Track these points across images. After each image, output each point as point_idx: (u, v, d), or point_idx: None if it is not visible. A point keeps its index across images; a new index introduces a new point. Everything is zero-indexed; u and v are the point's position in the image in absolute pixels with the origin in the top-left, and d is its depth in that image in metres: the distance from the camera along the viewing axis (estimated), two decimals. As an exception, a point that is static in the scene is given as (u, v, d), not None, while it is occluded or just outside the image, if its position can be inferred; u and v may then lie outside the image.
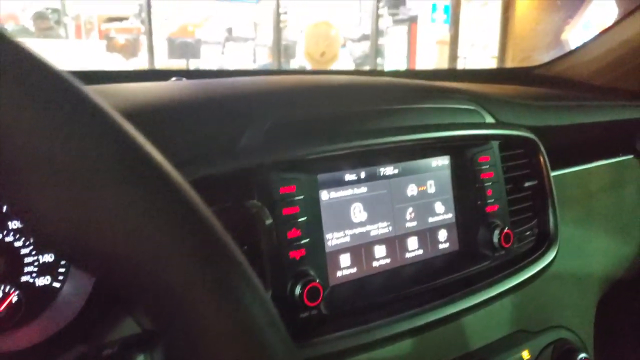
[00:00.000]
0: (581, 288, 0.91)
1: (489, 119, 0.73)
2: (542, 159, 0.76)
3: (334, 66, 7.37)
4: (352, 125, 0.58)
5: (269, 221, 0.48)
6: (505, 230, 0.68)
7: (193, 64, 6.34)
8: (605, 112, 0.99)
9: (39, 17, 6.39)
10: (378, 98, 0.64)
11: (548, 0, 7.23)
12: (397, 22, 8.66)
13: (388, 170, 0.63)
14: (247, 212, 0.47)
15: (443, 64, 6.73)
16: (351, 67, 8.24)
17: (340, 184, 0.59)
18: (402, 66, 8.44)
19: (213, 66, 6.67)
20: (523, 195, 0.75)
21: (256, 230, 0.47)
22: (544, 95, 1.03)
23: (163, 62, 5.99)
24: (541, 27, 7.38)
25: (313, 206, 0.55)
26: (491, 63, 7.31)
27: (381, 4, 7.68)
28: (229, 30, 8.45)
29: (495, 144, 0.72)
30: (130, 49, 5.85)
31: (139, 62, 5.95)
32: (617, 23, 1.31)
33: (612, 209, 0.98)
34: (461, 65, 6.91)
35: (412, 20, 8.27)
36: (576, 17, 7.46)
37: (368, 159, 0.61)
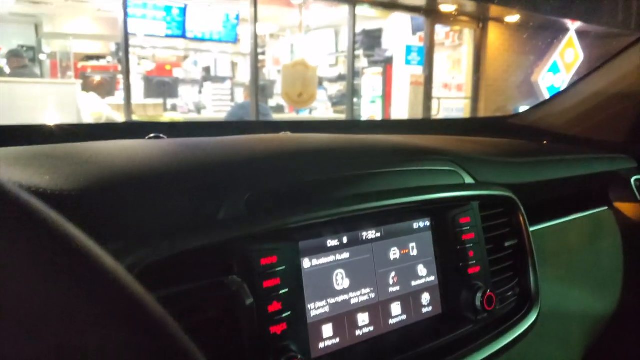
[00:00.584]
0: (564, 346, 0.90)
1: (469, 180, 0.73)
2: (521, 218, 0.76)
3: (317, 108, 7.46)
4: (334, 191, 0.58)
5: (249, 300, 0.46)
6: (488, 292, 0.67)
7: (170, 103, 6.34)
8: (580, 166, 1.01)
9: (13, 55, 6.31)
10: (359, 162, 0.64)
11: (518, 45, 7.54)
12: (372, 63, 8.89)
13: (371, 234, 0.62)
14: (226, 290, 0.45)
15: (418, 104, 6.89)
16: (328, 106, 8.37)
17: (323, 250, 0.57)
18: (378, 106, 8.60)
19: (191, 105, 6.68)
20: (504, 255, 0.75)
21: (236, 310, 0.45)
22: (520, 150, 1.06)
23: (140, 100, 5.98)
24: (512, 69, 7.67)
25: (295, 276, 0.54)
26: (464, 103, 7.52)
27: (357, 45, 7.88)
28: (207, 69, 8.52)
29: (475, 204, 0.72)
30: (106, 88, 5.81)
31: (116, 100, 5.91)
32: (586, 76, 1.36)
33: (590, 262, 0.99)
34: (435, 105, 7.09)
35: (388, 62, 8.50)
36: (544, 61, 7.79)
37: (350, 223, 0.60)
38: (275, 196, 0.54)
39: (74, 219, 0.45)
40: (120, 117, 5.32)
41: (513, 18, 6.93)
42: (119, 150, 0.65)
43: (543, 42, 7.76)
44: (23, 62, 6.23)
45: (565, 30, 7.67)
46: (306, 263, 0.55)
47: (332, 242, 0.58)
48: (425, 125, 1.62)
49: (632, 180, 1.09)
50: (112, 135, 0.95)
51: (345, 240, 0.59)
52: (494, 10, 6.55)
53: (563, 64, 7.88)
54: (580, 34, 7.81)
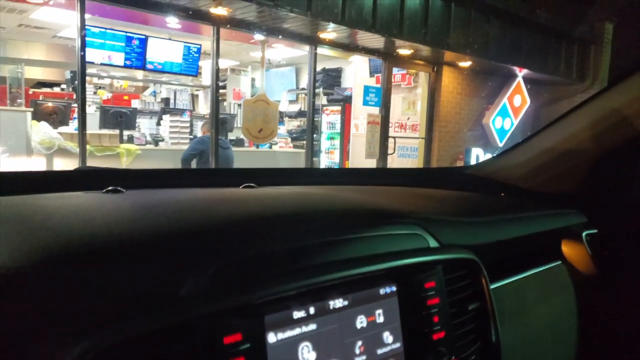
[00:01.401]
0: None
1: (433, 243, 0.74)
2: (484, 281, 0.77)
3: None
4: (302, 260, 0.56)
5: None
6: (452, 358, 0.67)
7: (127, 134, 6.19)
8: (536, 224, 1.04)
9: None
10: (325, 228, 0.63)
11: (470, 88, 7.88)
12: (331, 101, 9.06)
13: (338, 302, 0.60)
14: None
15: (375, 143, 7.02)
16: (288, 140, 8.40)
17: (289, 323, 0.55)
18: (337, 142, 8.72)
19: (148, 137, 6.54)
20: (467, 318, 0.75)
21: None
22: (480, 206, 1.08)
23: (95, 130, 5.81)
24: (464, 111, 7.99)
25: (259, 352, 0.51)
26: (419, 143, 7.72)
27: (317, 83, 8.02)
28: (166, 101, 8.43)
29: (440, 267, 0.72)
30: (59, 116, 5.63)
31: (69, 129, 5.73)
32: (539, 132, 1.42)
33: (546, 318, 1.01)
34: (391, 144, 7.25)
35: (346, 101, 8.69)
36: (494, 105, 8.17)
37: (317, 293, 0.59)
38: (241, 269, 0.52)
39: (21, 300, 0.41)
40: (73, 148, 5.14)
41: (465, 63, 7.26)
42: (74, 210, 0.61)
43: (493, 86, 8.16)
44: (-31, 87, 6.00)
45: (513, 76, 8.11)
46: (271, 337, 0.53)
47: (298, 314, 0.56)
48: (385, 174, 1.64)
49: (584, 234, 1.13)
50: (63, 184, 0.90)
51: (312, 311, 0.58)
52: (448, 55, 6.84)
53: (511, 108, 8.28)
54: (527, 80, 8.26)
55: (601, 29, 8.29)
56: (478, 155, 7.73)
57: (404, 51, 6.57)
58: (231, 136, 7.33)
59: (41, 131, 5.13)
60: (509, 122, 8.25)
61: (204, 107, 9.72)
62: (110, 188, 0.81)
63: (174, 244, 0.52)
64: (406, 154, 8.07)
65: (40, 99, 6.16)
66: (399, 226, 0.70)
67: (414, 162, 7.95)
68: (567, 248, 1.12)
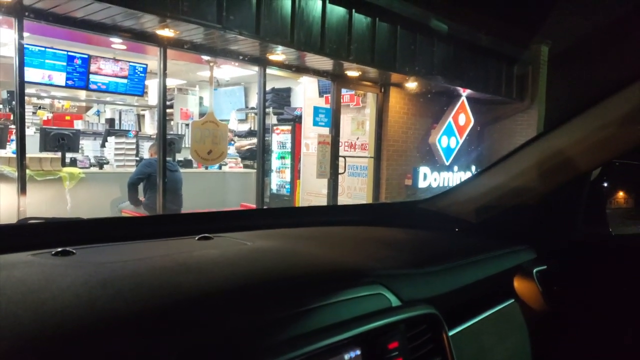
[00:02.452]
0: None
1: (395, 301, 0.75)
2: (444, 335, 0.78)
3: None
4: (266, 338, 0.55)
5: None
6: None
7: (70, 156, 5.92)
8: (490, 266, 1.07)
9: None
10: (288, 299, 0.62)
11: (416, 108, 8.12)
12: (281, 120, 9.07)
13: (305, 376, 0.59)
14: None
15: (326, 162, 7.07)
16: (238, 160, 8.32)
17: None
18: (287, 162, 8.72)
19: (93, 160, 6.29)
20: (429, 375, 0.76)
21: None
22: (435, 249, 1.11)
23: (35, 152, 5.53)
24: (411, 131, 8.21)
25: None
26: (368, 161, 7.86)
27: (267, 103, 8.02)
28: (111, 122, 8.14)
29: (402, 326, 0.73)
30: (-6, 139, 5.33)
31: (6, 153, 5.42)
32: (489, 168, 1.47)
33: (504, 358, 1.03)
34: (342, 163, 7.32)
35: (297, 120, 8.73)
36: (440, 124, 8.44)
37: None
38: (203, 352, 0.50)
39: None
40: (11, 172, 4.86)
41: (411, 84, 7.48)
42: (22, 291, 0.57)
43: (439, 106, 8.45)
44: None
45: (458, 96, 8.43)
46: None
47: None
48: (340, 211, 1.64)
49: (534, 271, 1.18)
50: (5, 241, 0.84)
51: (278, 386, 0.56)
52: (394, 76, 7.03)
53: (456, 127, 8.59)
54: (471, 100, 8.61)
55: (538, 51, 8.80)
56: (426, 173, 7.95)
57: (352, 73, 6.70)
58: (179, 157, 7.18)
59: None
60: (455, 141, 8.55)
61: (150, 127, 9.47)
62: (59, 250, 0.77)
63: (135, 332, 0.49)
64: (356, 172, 8.19)
65: (-27, 120, 5.81)
66: (362, 287, 0.71)
67: (364, 180, 8.07)
68: (519, 285, 1.16)
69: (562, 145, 1.25)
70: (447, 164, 8.40)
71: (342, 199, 7.99)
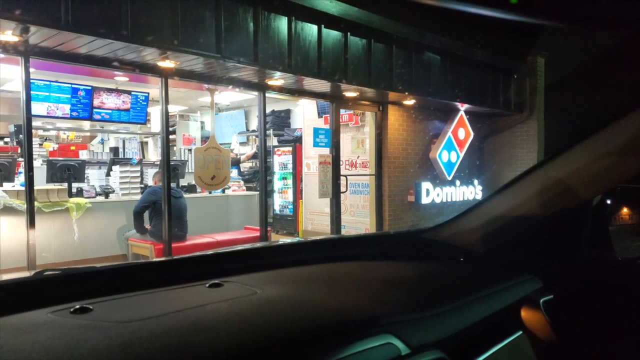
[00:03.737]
0: None
1: (404, 349, 0.79)
2: (454, 380, 0.83)
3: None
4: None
5: None
6: None
7: (76, 186, 5.99)
8: (498, 300, 1.12)
9: None
10: (301, 358, 0.66)
11: (415, 125, 8.20)
12: (282, 142, 9.17)
13: None
14: None
15: (327, 182, 7.12)
16: (241, 183, 8.38)
17: None
18: (289, 183, 8.78)
19: (98, 189, 6.35)
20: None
21: None
22: (442, 285, 1.14)
23: (42, 184, 5.60)
24: (411, 147, 8.28)
25: None
26: (369, 179, 7.91)
27: (267, 125, 8.11)
28: (115, 150, 8.23)
29: (412, 374, 0.77)
30: (3, 173, 5.40)
31: (13, 186, 5.49)
32: (491, 197, 1.51)
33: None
34: (343, 182, 7.38)
35: (297, 141, 8.82)
36: (440, 139, 8.52)
37: None
38: None
39: None
40: (20, 205, 4.92)
41: (409, 101, 7.57)
42: (43, 351, 0.60)
43: (437, 121, 8.53)
44: None
45: (456, 110, 8.52)
46: None
47: None
48: (343, 243, 1.68)
49: (541, 302, 1.21)
50: (20, 298, 0.86)
51: None
52: (392, 95, 7.12)
53: (456, 141, 8.67)
54: (469, 113, 8.70)
55: (534, 62, 8.91)
56: (428, 189, 8.00)
57: (350, 93, 6.79)
58: (183, 182, 7.24)
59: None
60: (455, 155, 8.61)
61: (153, 153, 9.57)
62: (77, 307, 0.81)
63: None
64: (358, 190, 8.24)
65: (-20, 156, 5.89)
66: (371, 339, 0.75)
67: (366, 197, 8.11)
68: (526, 316, 1.19)
69: (563, 174, 1.27)
70: (449, 178, 8.45)
71: (346, 217, 8.03)
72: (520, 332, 1.15)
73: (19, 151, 6.87)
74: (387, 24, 6.30)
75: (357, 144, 8.27)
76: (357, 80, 6.12)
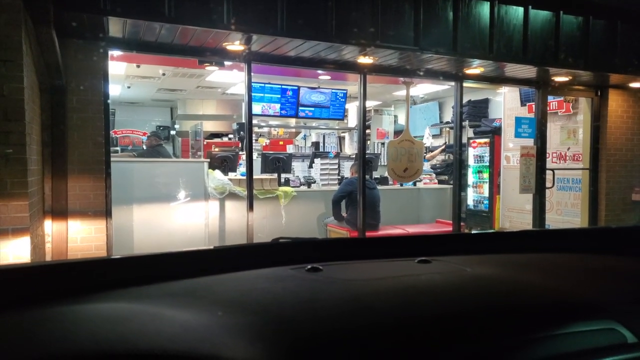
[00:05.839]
0: None
1: (630, 337, 0.71)
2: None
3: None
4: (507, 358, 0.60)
5: None
6: None
7: (284, 177, 6.74)
8: None
9: (153, 135, 7.30)
10: (519, 328, 0.65)
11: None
12: (478, 133, 8.77)
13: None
14: None
15: (530, 176, 6.59)
16: (433, 176, 8.30)
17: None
18: (485, 176, 8.37)
19: (302, 179, 7.02)
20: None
21: None
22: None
23: (256, 174, 6.42)
24: (637, 137, 7.12)
25: None
26: (582, 174, 7.06)
27: (463, 116, 7.85)
28: (316, 145, 8.98)
29: (638, 364, 0.70)
30: (229, 165, 6.39)
31: (235, 175, 6.41)
32: None
33: None
34: (549, 177, 6.73)
35: (495, 132, 8.34)
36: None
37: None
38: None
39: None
40: (241, 192, 5.74)
41: (638, 84, 6.51)
42: (293, 296, 0.71)
43: (673, 107, 7.17)
44: (159, 141, 7.12)
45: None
46: None
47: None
48: (557, 235, 1.55)
49: None
50: (262, 258, 1.02)
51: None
52: (613, 77, 6.22)
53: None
54: None
55: None
56: (658, 186, 6.79)
57: (561, 78, 6.15)
58: (375, 174, 7.50)
59: (216, 178, 5.85)
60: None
61: (349, 147, 10.11)
62: (309, 267, 0.93)
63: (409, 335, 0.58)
64: (567, 186, 7.43)
65: (214, 150, 7.03)
66: (594, 322, 0.70)
67: (577, 195, 7.27)
68: None
69: None
70: (688, 174, 7.05)
71: (551, 216, 7.32)
72: None
73: (240, 146, 7.98)
74: (610, -4, 5.53)
75: (568, 134, 7.44)
76: (569, 64, 5.52)
